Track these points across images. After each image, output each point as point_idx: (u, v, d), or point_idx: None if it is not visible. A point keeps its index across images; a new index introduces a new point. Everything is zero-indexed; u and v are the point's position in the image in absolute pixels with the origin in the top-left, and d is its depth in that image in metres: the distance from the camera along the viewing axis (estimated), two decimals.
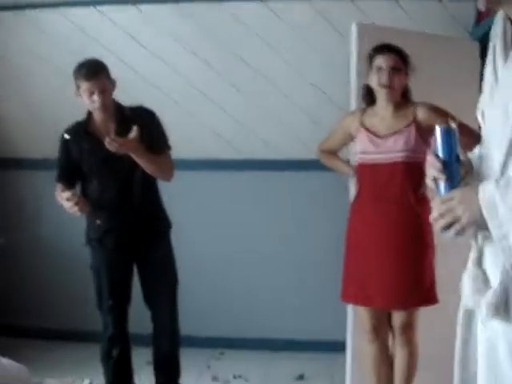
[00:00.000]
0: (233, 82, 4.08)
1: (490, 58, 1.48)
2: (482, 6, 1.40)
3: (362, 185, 3.00)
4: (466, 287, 1.42)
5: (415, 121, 2.86)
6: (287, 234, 4.22)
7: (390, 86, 2.84)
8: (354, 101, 3.32)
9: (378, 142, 2.89)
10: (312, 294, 4.18)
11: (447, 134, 1.42)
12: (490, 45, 1.51)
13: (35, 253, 4.39)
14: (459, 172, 1.41)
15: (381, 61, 2.84)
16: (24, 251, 4.39)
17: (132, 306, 3.11)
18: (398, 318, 2.92)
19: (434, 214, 1.36)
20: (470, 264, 1.43)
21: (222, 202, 4.25)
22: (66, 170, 3.02)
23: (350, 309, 3.31)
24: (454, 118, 2.79)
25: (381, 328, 2.99)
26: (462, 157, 1.44)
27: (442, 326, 3.37)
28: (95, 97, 2.87)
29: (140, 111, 3.01)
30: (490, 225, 1.29)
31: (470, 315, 1.45)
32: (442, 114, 2.84)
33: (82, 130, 2.99)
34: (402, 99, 2.90)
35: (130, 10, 4.03)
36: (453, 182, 1.40)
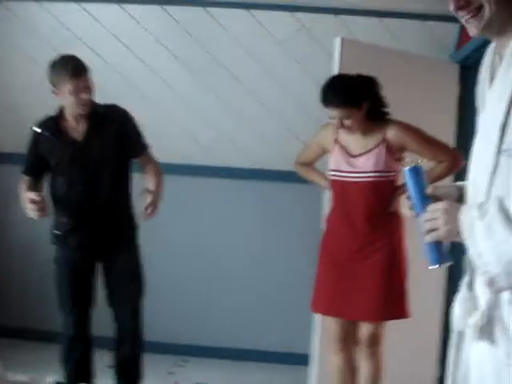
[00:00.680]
0: (213, 88, 4.08)
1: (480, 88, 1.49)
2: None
3: (334, 200, 3.04)
4: (457, 309, 1.45)
5: (385, 140, 2.88)
6: (259, 243, 4.21)
7: (346, 128, 2.86)
8: None
9: (350, 160, 2.92)
10: (279, 305, 4.17)
11: (414, 173, 1.47)
12: (481, 74, 1.52)
13: (1, 249, 4.30)
14: (428, 203, 1.44)
15: (330, 113, 2.85)
16: None
17: (95, 308, 3.06)
18: (365, 330, 2.94)
19: (425, 226, 1.41)
20: (463, 287, 1.46)
21: (195, 207, 4.22)
22: (34, 163, 2.96)
23: (317, 320, 3.31)
24: (423, 135, 2.86)
25: (348, 339, 3.00)
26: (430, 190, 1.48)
27: (412, 340, 3.42)
28: (84, 95, 2.81)
29: (113, 110, 2.97)
30: (468, 243, 1.32)
31: (460, 337, 1.47)
32: (411, 131, 2.88)
33: (54, 126, 2.93)
34: (370, 120, 2.90)
35: (114, 9, 4.02)
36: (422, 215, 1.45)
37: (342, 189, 2.96)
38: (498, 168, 1.34)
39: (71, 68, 2.79)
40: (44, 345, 3.93)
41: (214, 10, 3.97)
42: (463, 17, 1.38)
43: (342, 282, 2.92)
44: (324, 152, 3.07)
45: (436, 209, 1.39)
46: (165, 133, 4.03)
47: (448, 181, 2.93)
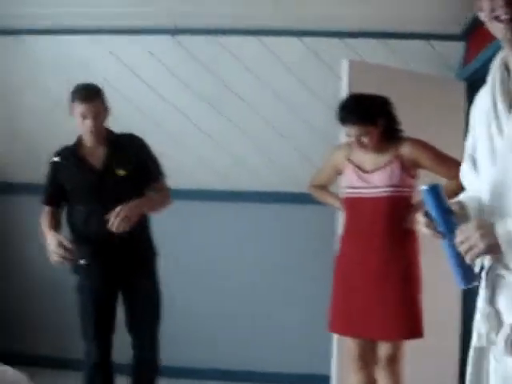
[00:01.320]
0: (225, 114, 4.13)
1: (489, 96, 1.51)
2: None
3: (348, 218, 3.04)
4: (480, 326, 1.44)
5: (399, 156, 2.91)
6: (274, 266, 4.22)
7: (362, 146, 2.91)
8: (343, 136, 3.38)
9: (364, 176, 2.95)
10: (297, 326, 4.16)
11: (434, 192, 1.47)
12: (489, 81, 1.55)
13: (19, 278, 4.35)
14: (454, 222, 1.45)
15: (347, 131, 2.92)
16: (8, 277, 4.35)
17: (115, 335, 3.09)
18: (383, 349, 2.94)
19: (448, 253, 1.42)
20: (482, 303, 1.46)
21: (210, 232, 4.25)
22: (54, 192, 3.01)
23: (335, 341, 3.32)
24: (436, 151, 2.88)
25: (367, 358, 3.00)
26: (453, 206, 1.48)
27: (431, 358, 3.42)
28: (87, 121, 2.89)
29: (130, 138, 3.04)
30: (509, 258, 1.32)
31: (480, 353, 1.47)
32: (425, 148, 2.92)
33: (72, 154, 2.99)
34: (384, 138, 2.94)
35: (125, 40, 4.10)
36: (450, 235, 1.44)
37: (355, 205, 2.97)
38: None
39: (81, 92, 2.90)
40: (65, 372, 3.94)
41: (223, 39, 4.04)
42: (504, 17, 1.41)
43: (357, 301, 2.91)
44: (338, 173, 3.09)
45: (468, 227, 1.38)
46: (180, 160, 4.07)
47: None
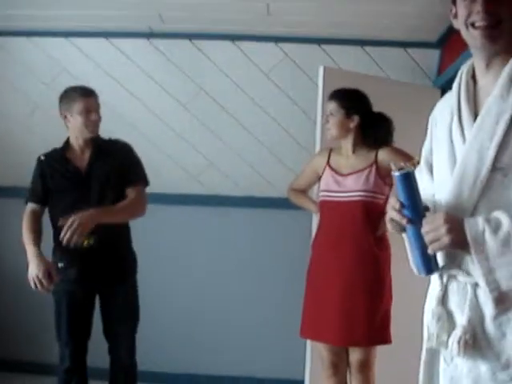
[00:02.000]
0: (201, 118, 4.14)
1: (454, 104, 1.54)
2: None
3: (322, 222, 3.06)
4: (431, 327, 1.44)
5: (376, 162, 2.94)
6: (250, 270, 4.23)
7: (328, 131, 3.01)
8: (319, 141, 3.41)
9: (338, 180, 2.97)
10: (273, 331, 4.18)
11: (406, 178, 1.46)
12: (454, 89, 1.57)
13: None
14: (422, 210, 1.45)
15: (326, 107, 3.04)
16: None
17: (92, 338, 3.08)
18: (354, 355, 2.95)
19: (410, 239, 1.42)
20: (434, 303, 1.46)
21: (186, 236, 4.25)
22: (39, 189, 3.00)
23: (309, 346, 3.33)
24: (414, 160, 2.91)
25: (339, 364, 3.02)
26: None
27: (400, 365, 3.44)
28: (93, 114, 2.92)
29: (117, 143, 3.06)
30: (477, 258, 1.32)
31: (432, 354, 1.47)
32: (403, 156, 2.94)
33: (59, 155, 3.01)
34: (363, 142, 2.98)
35: (102, 43, 4.09)
36: (417, 222, 1.44)
37: (330, 209, 2.98)
38: (489, 186, 1.38)
39: (81, 89, 2.94)
40: (39, 377, 3.92)
41: (199, 43, 4.05)
42: (480, 23, 1.43)
43: (326, 307, 2.92)
44: (318, 177, 3.11)
45: (436, 218, 1.38)
46: (153, 163, 4.04)
47: None
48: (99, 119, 2.99)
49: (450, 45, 3.74)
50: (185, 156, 4.20)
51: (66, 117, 2.97)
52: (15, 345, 4.27)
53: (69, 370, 3.01)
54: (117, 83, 4.10)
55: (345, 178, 2.96)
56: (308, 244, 3.17)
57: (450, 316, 1.41)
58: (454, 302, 1.42)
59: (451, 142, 1.51)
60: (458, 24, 1.51)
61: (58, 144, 3.06)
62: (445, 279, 1.45)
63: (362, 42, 3.99)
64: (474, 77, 1.54)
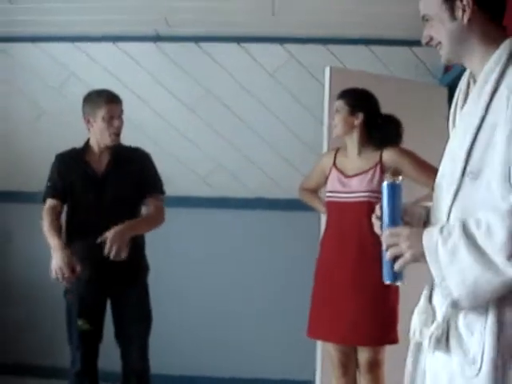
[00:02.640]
0: (208, 121, 4.15)
1: (451, 110, 1.57)
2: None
3: (328, 222, 3.08)
4: (415, 320, 1.50)
5: (381, 162, 2.94)
6: (258, 271, 4.23)
7: (334, 129, 3.04)
8: (325, 142, 3.41)
9: (344, 181, 2.98)
10: (282, 332, 4.17)
11: (391, 189, 1.49)
12: (456, 91, 1.60)
13: (3, 284, 4.33)
14: (397, 222, 1.48)
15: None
16: None
17: (102, 343, 3.09)
18: (362, 355, 2.95)
19: (383, 245, 1.45)
20: (422, 299, 1.52)
21: (196, 238, 4.26)
22: (58, 184, 2.99)
23: (319, 347, 3.33)
24: (418, 160, 2.91)
25: (349, 364, 3.02)
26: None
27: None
28: (116, 121, 2.92)
29: (137, 151, 3.07)
30: (431, 267, 1.37)
31: (418, 348, 1.52)
32: (408, 156, 2.95)
33: (77, 157, 3.01)
34: (369, 142, 2.99)
35: (109, 47, 4.11)
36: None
37: (336, 210, 3.00)
38: (460, 190, 1.40)
39: (106, 95, 2.94)
40: (51, 381, 3.93)
41: (205, 45, 4.06)
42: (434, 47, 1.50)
43: (335, 307, 2.92)
44: (325, 177, 3.11)
45: (398, 233, 1.43)
46: (162, 166, 4.08)
47: None
48: (121, 125, 2.97)
49: None
50: (192, 158, 4.21)
51: (88, 121, 2.96)
52: (27, 348, 4.28)
53: (80, 374, 3.02)
54: (124, 87, 4.11)
55: (350, 179, 2.97)
56: (316, 245, 3.18)
57: (433, 312, 1.46)
58: (437, 300, 1.47)
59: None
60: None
61: (65, 148, 3.06)
62: (431, 276, 1.47)
63: (366, 41, 3.99)
64: (474, 79, 1.55)
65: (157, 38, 4.07)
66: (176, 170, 4.18)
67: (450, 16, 1.45)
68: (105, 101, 2.91)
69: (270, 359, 4.21)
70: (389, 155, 2.93)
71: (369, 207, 2.86)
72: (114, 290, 3.02)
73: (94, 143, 3.01)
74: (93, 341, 3.03)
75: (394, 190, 1.49)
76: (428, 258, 1.37)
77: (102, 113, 2.91)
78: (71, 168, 3.01)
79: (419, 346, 1.51)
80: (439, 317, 1.42)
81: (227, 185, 4.21)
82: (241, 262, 4.24)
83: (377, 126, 2.99)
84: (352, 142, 3.01)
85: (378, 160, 2.94)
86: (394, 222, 1.46)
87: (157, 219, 3.06)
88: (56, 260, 2.80)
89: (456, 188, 1.41)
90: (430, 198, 2.85)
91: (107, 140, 2.96)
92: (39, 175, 3.11)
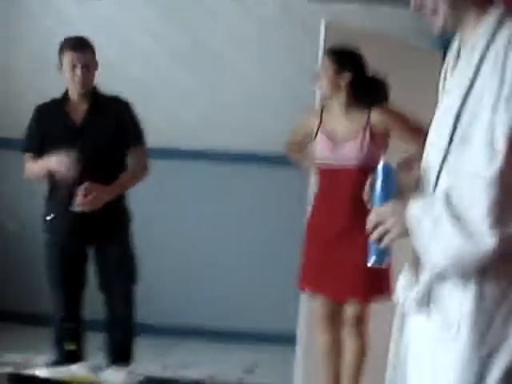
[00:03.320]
0: (198, 72, 4.11)
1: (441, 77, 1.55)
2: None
3: (320, 187, 3.11)
4: (401, 281, 1.50)
5: (369, 124, 2.93)
6: (245, 225, 4.26)
7: (319, 88, 3.04)
8: (318, 98, 3.38)
9: (334, 147, 2.99)
10: (267, 286, 4.22)
11: (386, 172, 1.47)
12: (446, 63, 1.57)
13: None
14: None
15: None
16: None
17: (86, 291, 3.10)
18: (351, 309, 2.99)
19: (368, 226, 1.42)
20: (406, 264, 1.51)
21: (181, 191, 4.26)
22: (36, 139, 2.99)
23: (303, 300, 3.35)
24: (405, 118, 2.90)
25: (334, 319, 3.05)
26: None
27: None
28: (78, 71, 2.86)
29: (116, 100, 3.02)
30: (414, 239, 1.36)
31: (403, 315, 1.51)
32: (395, 116, 2.95)
33: (56, 107, 2.98)
34: (356, 103, 2.97)
35: None
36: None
37: (328, 176, 3.03)
38: (448, 156, 1.38)
39: (73, 41, 2.88)
40: (37, 328, 3.95)
41: None
42: (425, 16, 1.44)
43: (327, 260, 2.97)
44: (310, 138, 3.10)
45: (384, 210, 1.40)
46: (149, 116, 4.03)
47: None
48: (88, 75, 2.90)
49: None
50: (181, 110, 4.18)
51: (60, 68, 2.93)
52: (13, 296, 4.29)
53: (63, 321, 3.05)
54: (113, 33, 4.05)
55: (339, 146, 2.97)
56: (304, 199, 3.20)
57: (416, 277, 1.45)
58: (421, 266, 1.45)
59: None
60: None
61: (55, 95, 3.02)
62: None
63: (365, 1, 3.94)
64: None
65: None
66: (163, 121, 4.15)
67: None
68: (69, 49, 2.86)
69: (257, 313, 4.24)
70: (377, 115, 2.93)
71: (361, 172, 2.86)
72: (95, 240, 3.02)
73: (71, 92, 2.97)
74: (74, 289, 3.06)
75: (390, 173, 1.47)
76: (412, 233, 1.35)
77: (65, 60, 2.87)
78: (49, 119, 2.98)
79: (404, 313, 1.50)
80: (421, 282, 1.41)
81: (217, 138, 4.19)
82: (228, 215, 4.25)
83: (364, 86, 2.97)
84: (339, 102, 3.00)
85: (366, 122, 2.93)
86: (381, 202, 1.44)
87: (141, 173, 3.05)
88: (54, 159, 2.81)
89: (444, 154, 1.39)
90: (417, 157, 2.88)
91: (74, 88, 2.92)
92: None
